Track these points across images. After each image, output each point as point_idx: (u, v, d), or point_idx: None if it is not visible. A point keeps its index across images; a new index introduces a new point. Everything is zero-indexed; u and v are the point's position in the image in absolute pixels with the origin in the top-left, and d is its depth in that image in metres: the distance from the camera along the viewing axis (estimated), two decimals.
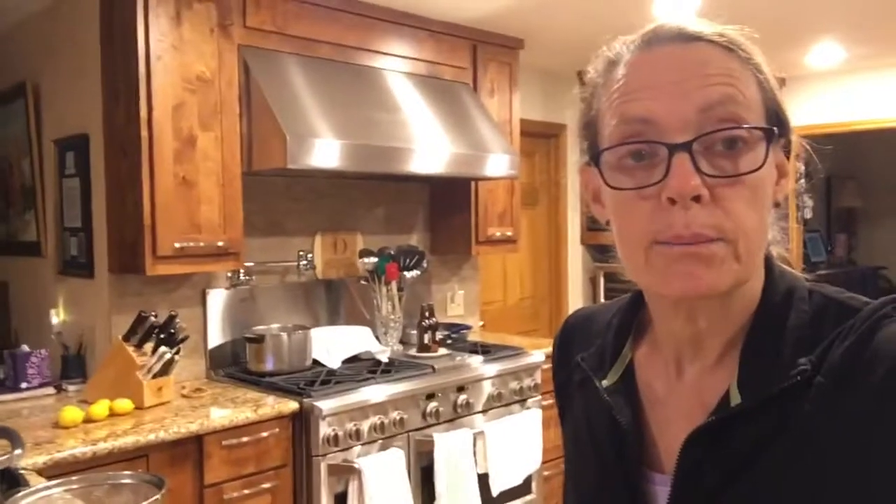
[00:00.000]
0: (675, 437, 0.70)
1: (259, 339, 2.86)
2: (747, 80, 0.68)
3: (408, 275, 3.34)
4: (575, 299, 4.92)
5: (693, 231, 0.64)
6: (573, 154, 4.57)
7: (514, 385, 3.14)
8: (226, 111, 2.68)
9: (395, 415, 2.68)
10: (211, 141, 2.64)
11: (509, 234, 3.75)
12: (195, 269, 2.68)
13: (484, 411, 3.02)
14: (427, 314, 3.20)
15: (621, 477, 0.75)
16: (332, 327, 3.20)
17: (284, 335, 2.90)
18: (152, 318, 2.56)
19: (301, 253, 3.22)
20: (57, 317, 2.97)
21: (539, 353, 3.28)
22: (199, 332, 2.91)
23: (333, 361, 2.96)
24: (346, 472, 2.52)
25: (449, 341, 3.42)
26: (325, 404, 2.50)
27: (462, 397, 2.92)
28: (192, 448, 2.33)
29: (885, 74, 4.75)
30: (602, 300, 4.86)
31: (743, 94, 0.66)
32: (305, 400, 2.53)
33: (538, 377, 3.24)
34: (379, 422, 2.63)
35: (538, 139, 4.64)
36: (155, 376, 2.50)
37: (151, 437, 2.22)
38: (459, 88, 3.47)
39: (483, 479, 2.87)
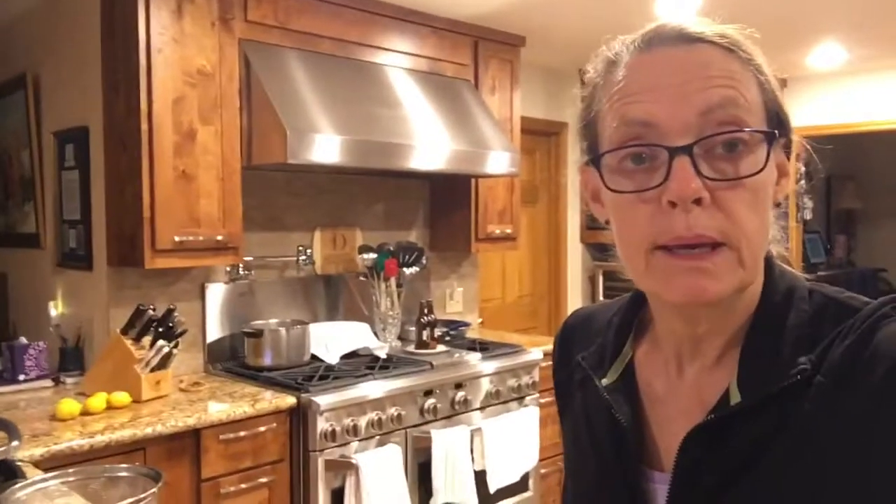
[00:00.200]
0: (675, 435, 0.70)
1: (257, 334, 2.86)
2: (748, 81, 0.67)
3: (407, 271, 3.34)
4: (574, 297, 4.92)
5: (695, 232, 0.64)
6: (574, 152, 4.57)
7: (512, 382, 3.14)
8: (226, 105, 2.67)
9: (392, 411, 2.68)
10: (211, 135, 2.64)
11: (509, 231, 3.75)
12: (194, 262, 2.68)
13: (482, 408, 3.02)
14: (426, 311, 3.20)
15: (620, 475, 0.75)
16: (330, 323, 3.20)
17: (283, 330, 2.90)
18: (151, 312, 2.56)
19: (300, 248, 3.22)
20: (55, 309, 2.97)
21: (537, 351, 3.28)
22: (198, 326, 2.91)
23: (332, 357, 2.96)
24: (343, 467, 2.52)
25: (447, 338, 3.42)
26: (323, 400, 2.50)
27: (460, 394, 2.92)
28: (189, 442, 2.33)
29: (887, 76, 4.75)
30: (601, 298, 4.86)
31: (744, 97, 0.66)
32: (303, 395, 2.53)
33: (536, 375, 3.24)
34: (376, 418, 2.63)
35: (539, 137, 4.64)
36: (153, 370, 2.50)
37: (149, 430, 2.22)
38: (461, 85, 3.47)
39: (480, 476, 2.88)
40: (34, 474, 1.55)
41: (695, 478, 0.68)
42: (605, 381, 0.80)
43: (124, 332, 2.56)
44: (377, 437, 2.64)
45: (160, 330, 2.55)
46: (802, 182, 5.43)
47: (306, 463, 2.51)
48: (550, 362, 0.97)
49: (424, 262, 3.43)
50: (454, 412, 2.91)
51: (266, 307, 3.10)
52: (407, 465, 2.72)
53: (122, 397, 2.40)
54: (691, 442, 0.68)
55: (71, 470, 1.44)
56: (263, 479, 2.47)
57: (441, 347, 3.21)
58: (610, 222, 0.73)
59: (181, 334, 2.61)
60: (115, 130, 2.66)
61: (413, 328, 3.28)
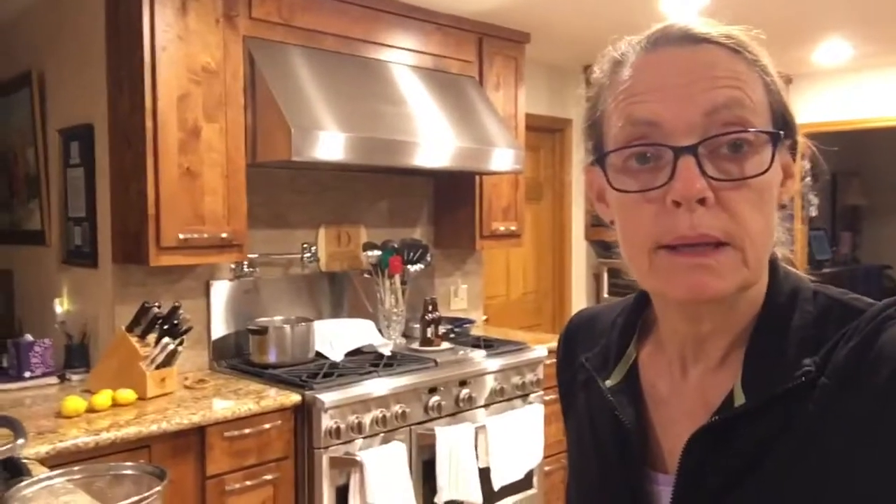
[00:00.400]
0: (679, 436, 0.70)
1: (262, 331, 2.86)
2: (754, 82, 0.67)
3: (411, 268, 3.34)
4: (578, 295, 4.92)
5: (699, 232, 0.64)
6: (578, 149, 4.53)
7: (516, 380, 3.14)
8: (230, 102, 2.68)
9: (397, 408, 2.69)
10: (215, 132, 2.64)
11: (513, 228, 3.75)
12: (199, 260, 2.68)
13: (486, 406, 3.02)
14: (430, 308, 3.20)
15: (624, 477, 0.75)
16: (335, 320, 3.21)
17: (287, 327, 2.90)
18: (156, 309, 2.56)
19: (305, 245, 3.22)
20: (60, 306, 2.98)
21: (542, 349, 3.28)
22: (203, 324, 2.92)
23: (336, 354, 2.96)
24: (347, 464, 2.52)
25: (452, 335, 3.42)
26: (328, 397, 2.51)
27: (464, 391, 2.92)
28: (194, 439, 2.33)
29: (892, 72, 4.73)
30: (605, 296, 4.86)
31: (749, 97, 0.66)
32: (308, 392, 2.53)
33: (540, 372, 3.24)
34: (381, 415, 2.63)
35: (543, 134, 4.63)
36: (158, 367, 2.51)
37: (154, 427, 2.22)
38: (465, 82, 3.46)
39: (484, 474, 2.88)
40: (40, 472, 1.55)
41: (699, 479, 0.68)
42: (608, 383, 0.80)
43: (129, 329, 2.56)
44: (381, 434, 2.65)
45: (165, 327, 2.55)
46: (808, 179, 5.41)
47: (311, 460, 2.51)
48: (555, 360, 0.97)
49: (429, 259, 3.43)
50: (458, 409, 2.91)
51: (271, 304, 3.11)
52: (411, 463, 2.72)
53: (127, 394, 2.41)
54: (695, 444, 0.68)
55: (76, 468, 1.44)
56: (268, 477, 2.47)
57: (445, 345, 3.21)
58: (614, 222, 0.73)
59: (186, 331, 2.62)
60: (119, 128, 2.66)
61: (417, 325, 3.28)
